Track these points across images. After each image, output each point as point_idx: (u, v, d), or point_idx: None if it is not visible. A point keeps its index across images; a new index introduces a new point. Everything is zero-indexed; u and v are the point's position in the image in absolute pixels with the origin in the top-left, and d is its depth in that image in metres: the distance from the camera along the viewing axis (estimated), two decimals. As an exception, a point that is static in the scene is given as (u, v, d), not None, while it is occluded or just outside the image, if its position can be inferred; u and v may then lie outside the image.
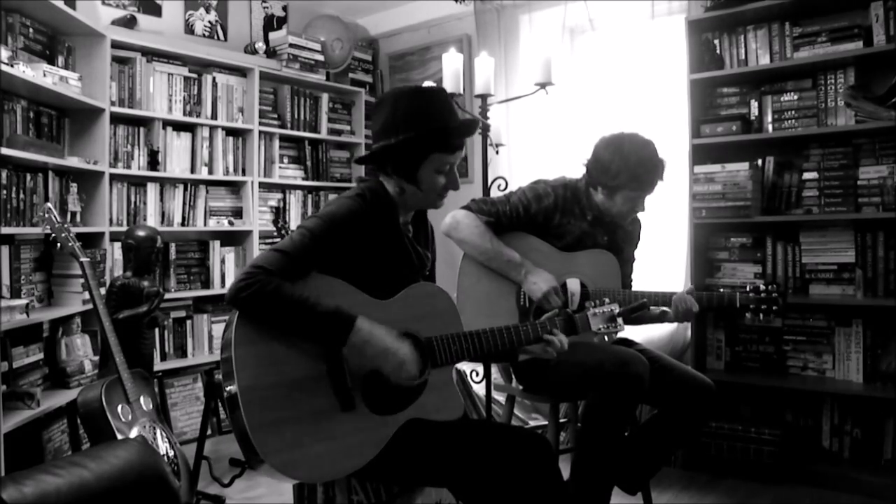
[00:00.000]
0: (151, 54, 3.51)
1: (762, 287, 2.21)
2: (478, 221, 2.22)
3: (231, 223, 3.84)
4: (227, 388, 1.43)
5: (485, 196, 2.68)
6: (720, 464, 2.98)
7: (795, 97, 3.00)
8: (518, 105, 3.66)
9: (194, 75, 3.70)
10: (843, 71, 2.90)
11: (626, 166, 2.16)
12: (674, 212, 3.27)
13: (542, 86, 2.80)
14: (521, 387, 2.41)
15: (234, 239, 3.92)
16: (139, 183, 3.49)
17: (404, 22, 4.55)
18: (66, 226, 2.51)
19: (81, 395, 2.36)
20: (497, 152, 3.19)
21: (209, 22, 4.02)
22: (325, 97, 4.33)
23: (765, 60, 3.05)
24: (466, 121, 1.74)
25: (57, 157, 2.85)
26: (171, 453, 2.41)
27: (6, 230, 2.62)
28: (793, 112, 3.01)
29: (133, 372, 2.47)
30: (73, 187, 3.10)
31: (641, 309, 1.94)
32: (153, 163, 3.50)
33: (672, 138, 3.17)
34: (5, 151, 2.52)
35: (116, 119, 3.34)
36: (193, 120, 3.67)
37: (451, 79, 2.84)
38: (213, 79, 3.77)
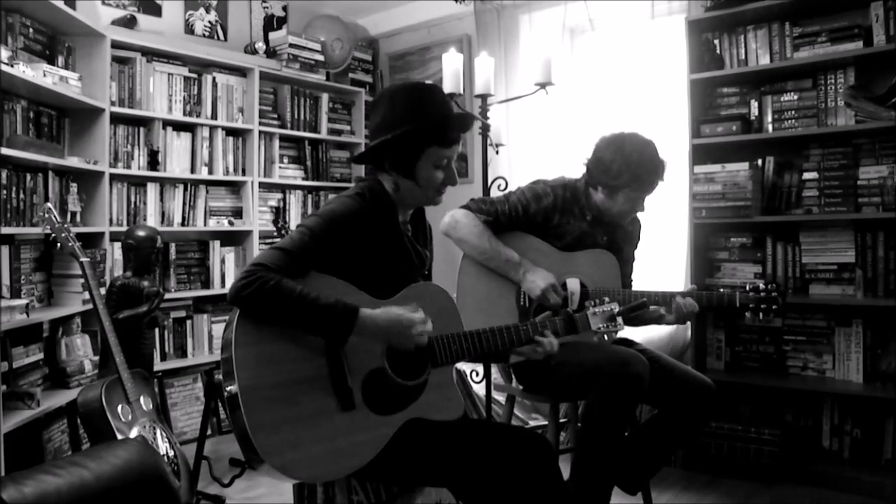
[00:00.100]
0: (151, 54, 3.51)
1: (762, 287, 2.21)
2: (476, 221, 2.22)
3: (231, 223, 3.84)
4: (228, 388, 1.43)
5: (484, 196, 2.68)
6: (720, 464, 2.98)
7: (795, 97, 3.00)
8: (518, 105, 3.66)
9: (194, 75, 3.70)
10: (843, 71, 2.90)
11: (627, 166, 2.16)
12: (674, 212, 3.27)
13: (542, 86, 2.80)
14: (521, 387, 2.41)
15: (234, 239, 3.92)
16: (139, 183, 3.49)
17: (404, 22, 4.55)
18: (66, 226, 2.51)
19: (81, 395, 2.36)
20: (497, 152, 3.19)
21: (209, 22, 4.02)
22: (325, 97, 4.33)
23: (765, 60, 3.05)
24: (462, 114, 1.76)
25: (57, 157, 2.85)
26: (171, 453, 2.41)
27: (6, 230, 2.62)
28: (793, 112, 3.01)
29: (133, 372, 2.47)
30: (73, 187, 3.10)
31: (641, 308, 1.94)
32: (153, 163, 3.50)
33: (672, 138, 3.16)
34: (5, 151, 2.52)
35: (116, 119, 3.34)
36: (193, 120, 3.67)
37: (451, 79, 2.84)
38: (213, 79, 3.77)
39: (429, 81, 2.86)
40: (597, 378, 2.01)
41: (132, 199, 3.45)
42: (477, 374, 3.02)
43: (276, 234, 3.43)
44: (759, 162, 3.07)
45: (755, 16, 3.03)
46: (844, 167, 2.86)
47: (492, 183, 2.96)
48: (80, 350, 2.97)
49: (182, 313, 3.69)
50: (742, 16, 3.03)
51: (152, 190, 3.52)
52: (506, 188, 2.89)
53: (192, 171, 3.68)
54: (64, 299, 2.97)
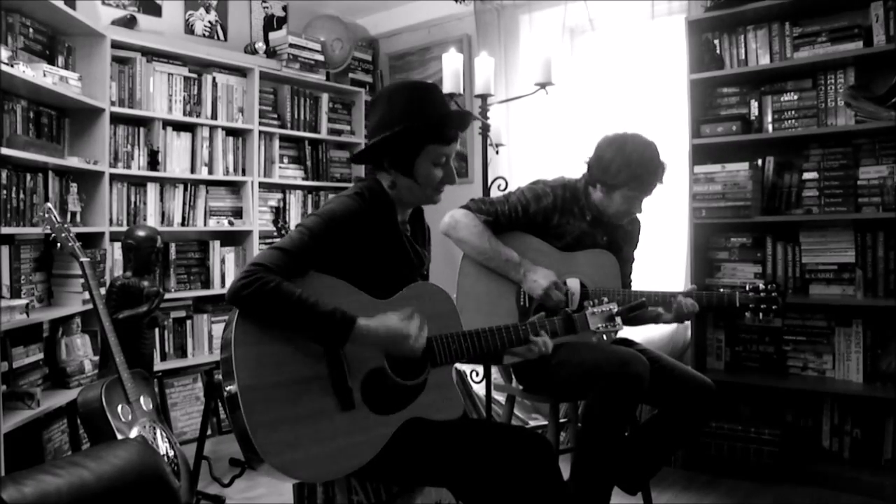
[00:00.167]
0: (151, 54, 3.51)
1: (762, 287, 2.21)
2: (476, 221, 2.22)
3: (231, 223, 3.84)
4: (227, 388, 1.43)
5: (484, 196, 2.68)
6: (720, 464, 2.98)
7: (795, 97, 3.00)
8: (518, 105, 3.66)
9: (194, 75, 3.70)
10: (843, 71, 2.90)
11: (626, 165, 2.16)
12: (674, 212, 3.27)
13: (542, 86, 2.80)
14: (521, 387, 2.41)
15: (234, 239, 3.92)
16: (139, 183, 3.49)
17: (404, 22, 4.55)
18: (66, 226, 2.51)
19: (81, 395, 2.36)
20: (497, 152, 3.19)
21: (209, 22, 4.03)
22: (325, 97, 4.33)
23: (765, 60, 3.05)
24: (461, 112, 1.77)
25: (57, 157, 2.85)
26: (171, 453, 2.41)
27: (6, 230, 2.62)
28: (793, 112, 3.01)
29: (133, 372, 2.47)
30: (73, 187, 3.10)
31: (640, 308, 1.94)
32: (153, 163, 3.50)
33: (672, 138, 3.17)
34: (5, 151, 2.52)
35: (116, 119, 3.34)
36: (193, 120, 3.67)
37: (451, 79, 2.84)
38: (213, 79, 3.77)
39: (428, 81, 2.86)
40: (597, 378, 2.01)
41: (132, 199, 3.45)
42: (477, 374, 3.02)
43: (276, 234, 3.43)
44: (759, 162, 3.07)
45: (755, 16, 3.03)
46: (844, 167, 2.86)
47: (492, 183, 2.96)
48: (80, 350, 2.97)
49: (182, 313, 3.69)
50: (742, 16, 3.03)
51: (152, 190, 3.53)
52: (506, 188, 2.89)
53: (192, 171, 3.68)
54: (64, 299, 2.97)
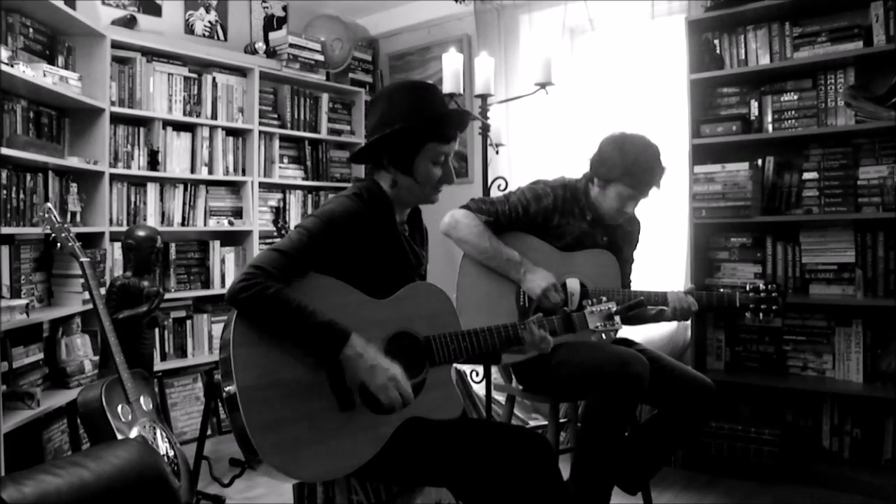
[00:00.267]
0: (151, 54, 3.51)
1: (762, 287, 2.21)
2: (477, 221, 2.22)
3: (231, 223, 3.84)
4: (226, 389, 1.43)
5: (484, 196, 2.68)
6: (720, 464, 2.98)
7: (795, 97, 3.00)
8: (518, 105, 3.65)
9: (194, 75, 3.70)
10: (843, 71, 2.90)
11: (622, 161, 2.18)
12: (674, 212, 3.27)
13: (542, 86, 2.80)
14: (521, 387, 2.41)
15: (234, 239, 3.92)
16: (139, 183, 3.49)
17: (404, 22, 4.55)
18: (66, 226, 2.51)
19: (81, 395, 2.36)
20: (497, 152, 3.19)
21: (209, 22, 4.03)
22: (325, 97, 4.33)
23: (765, 60, 3.05)
24: (460, 111, 1.78)
25: (57, 157, 2.85)
26: (171, 453, 2.41)
27: (6, 230, 2.62)
28: (793, 112, 3.01)
29: (133, 372, 2.47)
30: (73, 187, 3.10)
31: (639, 307, 1.94)
32: (153, 163, 3.50)
33: (672, 138, 3.16)
34: (5, 151, 2.52)
35: (116, 119, 3.34)
36: (193, 120, 3.67)
37: (451, 79, 2.84)
38: (213, 79, 3.77)
39: (428, 81, 2.86)
40: (597, 378, 2.01)
41: (132, 199, 3.45)
42: (477, 374, 3.02)
43: (276, 234, 3.44)
44: (759, 162, 3.07)
45: (755, 16, 3.03)
46: (844, 167, 2.86)
47: (492, 183, 2.96)
48: (80, 350, 2.97)
49: (182, 313, 3.69)
50: (742, 16, 3.03)
51: (152, 190, 3.52)
52: (506, 188, 2.89)
53: (192, 171, 3.68)
54: (64, 299, 2.97)
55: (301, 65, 4.13)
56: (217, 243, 3.81)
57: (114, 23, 3.41)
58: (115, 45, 3.29)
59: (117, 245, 3.24)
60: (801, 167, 2.99)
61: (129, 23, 3.47)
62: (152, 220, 3.51)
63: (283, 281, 1.46)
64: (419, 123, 1.62)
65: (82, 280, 2.63)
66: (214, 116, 3.77)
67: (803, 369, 3.02)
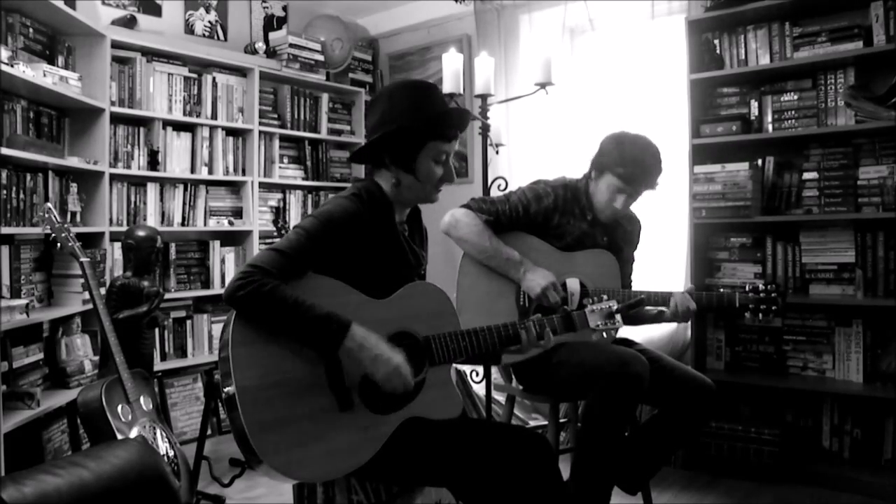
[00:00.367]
0: (151, 54, 3.51)
1: (762, 287, 2.21)
2: (477, 220, 2.22)
3: (231, 223, 3.84)
4: (226, 389, 1.43)
5: (484, 196, 2.68)
6: (720, 464, 2.98)
7: (795, 97, 3.00)
8: (518, 105, 3.65)
9: (194, 75, 3.70)
10: (843, 71, 2.90)
11: (618, 151, 2.19)
12: (674, 212, 3.27)
13: (542, 86, 2.80)
14: (521, 387, 2.41)
15: (234, 239, 3.92)
16: (139, 183, 3.49)
17: (404, 22, 4.55)
18: (66, 226, 2.51)
19: (81, 395, 2.36)
20: (497, 152, 3.19)
21: (209, 22, 4.03)
22: (325, 97, 4.33)
23: (765, 60, 3.05)
24: (460, 110, 1.79)
25: (57, 157, 2.85)
26: (171, 453, 2.41)
27: (6, 230, 2.62)
28: (793, 112, 3.01)
29: (133, 372, 2.47)
30: (73, 187, 3.10)
31: (639, 305, 1.95)
32: (153, 163, 3.50)
33: (672, 138, 3.16)
34: (5, 151, 2.52)
35: (116, 119, 3.34)
36: (193, 120, 3.67)
37: (451, 79, 2.84)
38: (213, 79, 3.77)
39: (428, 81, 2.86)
40: (597, 378, 2.01)
41: (132, 199, 3.45)
42: (477, 374, 3.02)
43: (276, 234, 3.44)
44: (759, 162, 3.07)
45: (755, 16, 3.03)
46: (844, 167, 2.86)
47: (492, 183, 2.96)
48: (80, 350, 2.97)
49: (182, 313, 3.69)
50: (742, 16, 3.03)
51: (152, 190, 3.53)
52: (506, 188, 2.89)
53: (192, 171, 3.68)
54: (64, 299, 2.97)
55: (301, 65, 4.13)
56: (217, 243, 3.81)
57: (114, 23, 3.41)
58: (115, 45, 3.29)
59: (117, 245, 3.24)
60: (801, 167, 2.99)
61: (129, 23, 3.47)
62: (152, 220, 3.51)
63: (281, 280, 1.46)
64: (421, 122, 1.62)
65: (82, 280, 2.63)
66: (214, 116, 3.77)
67: (803, 369, 3.03)
